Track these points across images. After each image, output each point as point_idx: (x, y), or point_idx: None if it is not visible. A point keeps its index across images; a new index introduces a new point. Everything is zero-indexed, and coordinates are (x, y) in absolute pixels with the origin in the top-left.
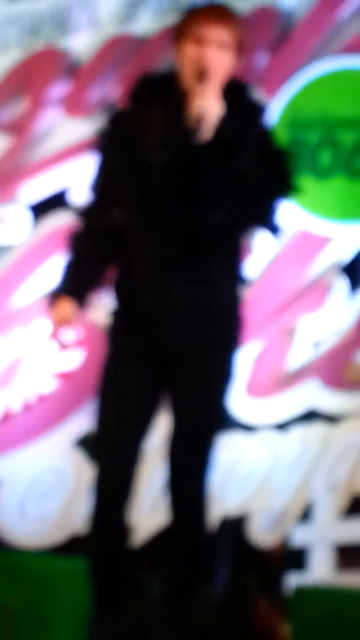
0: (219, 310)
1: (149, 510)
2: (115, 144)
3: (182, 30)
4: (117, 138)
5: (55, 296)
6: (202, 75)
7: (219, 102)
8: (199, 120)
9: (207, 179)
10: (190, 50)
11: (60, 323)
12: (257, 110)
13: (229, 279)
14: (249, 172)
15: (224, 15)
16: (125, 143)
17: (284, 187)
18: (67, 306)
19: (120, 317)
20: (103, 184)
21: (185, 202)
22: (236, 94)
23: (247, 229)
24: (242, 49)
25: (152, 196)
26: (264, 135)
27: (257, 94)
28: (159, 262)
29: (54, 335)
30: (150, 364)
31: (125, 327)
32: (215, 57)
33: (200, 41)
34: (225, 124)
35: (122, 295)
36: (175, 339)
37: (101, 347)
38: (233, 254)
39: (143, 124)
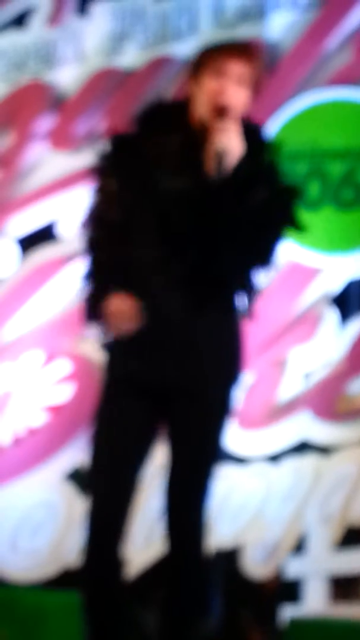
0: (219, 345)
1: (142, 542)
2: (119, 168)
3: (202, 63)
4: (122, 162)
5: (99, 297)
6: (221, 109)
7: (241, 140)
8: (221, 157)
9: (221, 215)
10: (210, 83)
11: (122, 316)
12: (270, 149)
13: (230, 314)
14: (264, 210)
15: (246, 51)
16: (132, 168)
17: (290, 223)
18: (121, 299)
19: (118, 348)
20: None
21: (196, 237)
22: (249, 133)
23: (252, 269)
24: (257, 87)
25: (159, 226)
26: (276, 175)
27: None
28: (160, 295)
29: (117, 329)
30: (148, 396)
31: (123, 359)
32: (235, 91)
33: (221, 75)
34: (241, 160)
35: None
36: (175, 372)
37: (92, 381)
38: (235, 290)
39: (153, 151)
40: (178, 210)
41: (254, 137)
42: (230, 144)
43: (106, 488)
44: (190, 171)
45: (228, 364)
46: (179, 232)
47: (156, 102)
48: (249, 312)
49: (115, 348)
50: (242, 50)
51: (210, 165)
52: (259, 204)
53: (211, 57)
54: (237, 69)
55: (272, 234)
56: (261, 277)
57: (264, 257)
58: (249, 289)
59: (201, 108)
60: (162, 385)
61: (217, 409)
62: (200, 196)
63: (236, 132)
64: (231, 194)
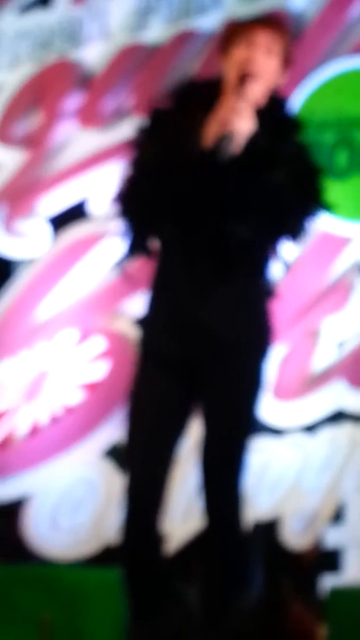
0: (248, 319)
1: (181, 517)
2: (155, 141)
3: (230, 36)
4: (157, 136)
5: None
6: (246, 75)
7: (251, 120)
8: (227, 139)
9: (235, 193)
10: (239, 53)
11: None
12: (295, 126)
13: (258, 288)
14: (283, 187)
15: (274, 22)
16: (165, 142)
17: (316, 204)
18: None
19: (150, 325)
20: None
21: (213, 214)
22: (275, 108)
23: (276, 243)
24: (287, 63)
25: (183, 204)
26: (300, 152)
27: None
28: (190, 272)
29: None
30: (181, 372)
31: (156, 336)
32: (263, 60)
33: (250, 44)
34: (260, 137)
35: (154, 303)
36: (205, 346)
37: (127, 357)
38: (262, 264)
39: (183, 128)
40: (195, 189)
41: (279, 114)
42: (240, 125)
43: (143, 464)
44: (205, 152)
45: (257, 336)
46: (196, 207)
47: (190, 79)
48: (277, 285)
49: (148, 325)
50: (270, 21)
51: (211, 141)
52: (280, 181)
53: (239, 29)
54: (265, 38)
55: (298, 212)
56: (289, 250)
57: (289, 234)
58: (274, 262)
59: (229, 78)
60: (193, 359)
61: (248, 382)
62: (212, 175)
63: (248, 113)
64: (244, 170)
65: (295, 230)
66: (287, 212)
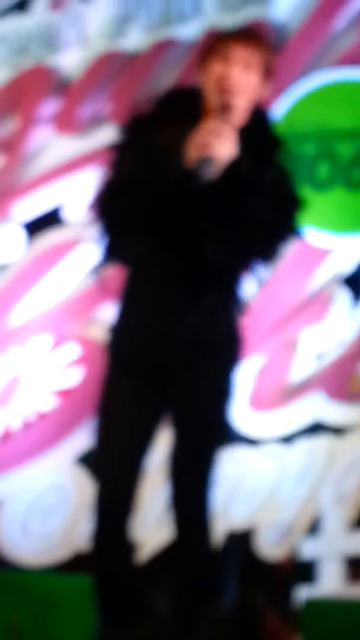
0: (218, 328)
1: (153, 525)
2: (134, 151)
3: (208, 51)
4: (136, 145)
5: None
6: (225, 95)
7: (232, 145)
8: (207, 162)
9: (211, 216)
10: (216, 69)
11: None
12: (276, 145)
13: (229, 301)
14: (260, 215)
15: (252, 36)
16: (144, 154)
17: (291, 231)
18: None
19: (120, 333)
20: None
21: (188, 233)
22: (257, 124)
23: (249, 264)
24: (269, 75)
25: (159, 221)
26: (280, 178)
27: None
28: (161, 284)
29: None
30: (150, 380)
31: (126, 344)
32: (240, 76)
33: (227, 60)
34: (241, 160)
35: (125, 312)
36: (175, 357)
37: (101, 364)
38: (233, 283)
39: (163, 139)
40: (174, 206)
41: (261, 130)
42: (221, 150)
43: (113, 472)
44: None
45: (227, 345)
46: (174, 225)
47: (171, 87)
48: (249, 299)
49: (117, 332)
50: (248, 35)
51: (191, 163)
52: (253, 212)
53: (217, 43)
54: (242, 53)
55: (270, 238)
56: (261, 269)
57: (260, 255)
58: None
59: (209, 96)
60: (162, 367)
61: (217, 391)
62: (189, 199)
63: (230, 137)
64: (224, 196)
65: (268, 254)
66: (262, 238)
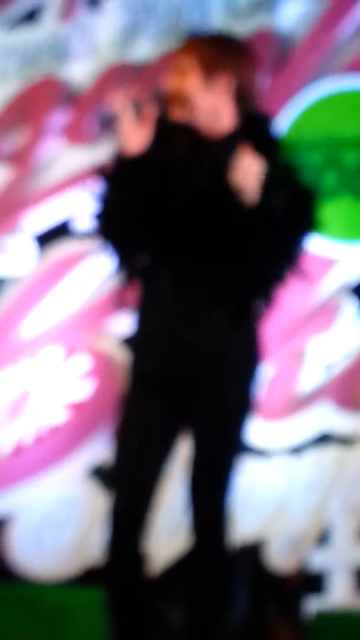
0: (238, 341)
1: (166, 538)
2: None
3: None
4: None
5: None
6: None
7: (258, 162)
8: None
9: (229, 221)
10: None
11: None
12: (279, 147)
13: (248, 312)
14: (280, 212)
15: (188, 42)
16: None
17: (309, 225)
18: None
19: (139, 346)
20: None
21: (202, 242)
22: (256, 129)
23: (272, 268)
24: (217, 69)
25: (174, 230)
26: (290, 176)
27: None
28: (179, 295)
29: None
30: (170, 394)
31: (144, 358)
32: (176, 83)
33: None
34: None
35: (143, 325)
36: (195, 369)
37: (112, 376)
38: (256, 290)
39: (169, 149)
40: (189, 217)
41: (266, 136)
42: (251, 170)
43: (129, 485)
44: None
45: (246, 357)
46: (188, 232)
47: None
48: (268, 308)
49: (137, 346)
50: (185, 42)
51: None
52: (273, 211)
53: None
54: (176, 61)
55: (293, 237)
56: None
57: (287, 260)
58: (270, 290)
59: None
60: (182, 381)
61: (237, 403)
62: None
63: (253, 155)
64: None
65: (292, 254)
66: (284, 236)
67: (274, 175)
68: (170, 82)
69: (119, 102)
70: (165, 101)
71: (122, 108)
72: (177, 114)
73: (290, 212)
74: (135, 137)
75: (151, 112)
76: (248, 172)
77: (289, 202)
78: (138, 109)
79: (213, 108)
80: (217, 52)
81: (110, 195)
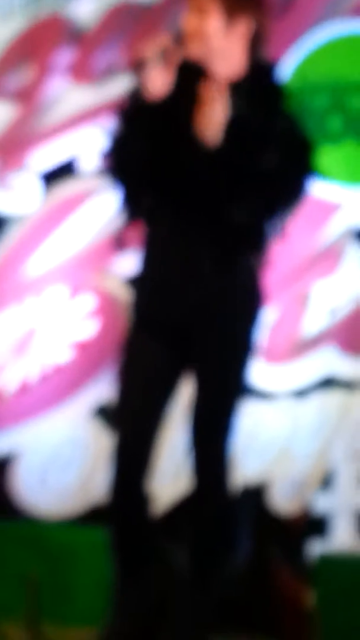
0: (240, 286)
1: (170, 478)
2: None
3: None
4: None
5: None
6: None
7: (224, 106)
8: (206, 128)
9: (227, 177)
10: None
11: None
12: (282, 95)
13: (251, 258)
14: (275, 167)
15: None
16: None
17: (308, 177)
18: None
19: (142, 290)
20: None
21: (206, 196)
22: (260, 75)
23: (272, 219)
24: (238, 12)
25: (175, 183)
26: (289, 126)
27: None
28: (182, 240)
29: None
30: (173, 336)
31: (148, 300)
32: (194, 22)
33: (199, 11)
34: (248, 114)
35: (146, 269)
36: (197, 311)
37: (117, 316)
38: (258, 241)
39: (173, 102)
40: (188, 170)
41: (265, 82)
42: (214, 114)
43: (133, 425)
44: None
45: (248, 301)
46: (189, 187)
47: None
48: (267, 254)
49: (139, 289)
50: None
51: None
52: (272, 162)
53: None
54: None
55: (288, 189)
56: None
57: (284, 204)
58: (268, 234)
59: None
60: (185, 324)
61: (239, 346)
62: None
63: (221, 100)
64: (233, 155)
65: (286, 204)
66: (280, 190)
67: (269, 130)
68: (189, 21)
69: (150, 51)
70: (182, 39)
71: (152, 56)
72: (194, 53)
73: (286, 167)
74: (159, 83)
75: (175, 57)
76: (213, 115)
77: (286, 158)
78: (164, 54)
79: (229, 51)
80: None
81: (124, 134)
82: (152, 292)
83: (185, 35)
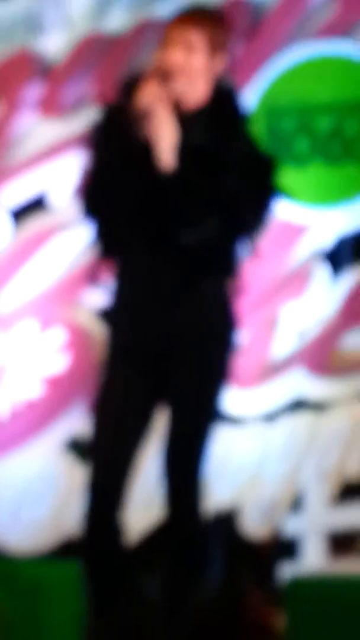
0: (211, 310)
1: (142, 508)
2: (109, 140)
3: (161, 40)
4: (111, 134)
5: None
6: (164, 75)
7: (173, 126)
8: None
9: (189, 200)
10: (157, 54)
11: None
12: (242, 119)
13: (222, 283)
14: (237, 188)
15: (194, 17)
16: (118, 142)
17: (270, 194)
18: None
19: (116, 320)
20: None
21: (170, 220)
22: (221, 99)
23: (237, 241)
24: (219, 50)
25: (140, 209)
26: (250, 149)
27: (233, 85)
28: (153, 271)
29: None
30: (147, 366)
31: (122, 332)
32: (181, 56)
33: (168, 44)
34: (208, 138)
35: (119, 300)
36: (172, 342)
37: (87, 350)
38: (225, 264)
39: (133, 126)
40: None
41: (226, 106)
42: (163, 134)
43: (107, 457)
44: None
45: (220, 328)
46: (156, 210)
47: (136, 74)
48: (238, 277)
49: (113, 318)
50: (191, 16)
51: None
52: (233, 183)
53: (165, 31)
54: (183, 35)
55: (252, 209)
56: (249, 243)
57: (247, 229)
58: (237, 257)
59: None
60: (158, 352)
61: (213, 373)
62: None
63: (167, 117)
64: (191, 180)
65: (252, 226)
66: (243, 212)
67: (230, 153)
68: (174, 56)
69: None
70: (166, 76)
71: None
72: (180, 89)
73: (249, 188)
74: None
75: (169, 97)
76: (163, 137)
77: (248, 179)
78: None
79: (200, 81)
80: (221, 30)
81: (94, 166)
82: (125, 322)
83: (170, 70)
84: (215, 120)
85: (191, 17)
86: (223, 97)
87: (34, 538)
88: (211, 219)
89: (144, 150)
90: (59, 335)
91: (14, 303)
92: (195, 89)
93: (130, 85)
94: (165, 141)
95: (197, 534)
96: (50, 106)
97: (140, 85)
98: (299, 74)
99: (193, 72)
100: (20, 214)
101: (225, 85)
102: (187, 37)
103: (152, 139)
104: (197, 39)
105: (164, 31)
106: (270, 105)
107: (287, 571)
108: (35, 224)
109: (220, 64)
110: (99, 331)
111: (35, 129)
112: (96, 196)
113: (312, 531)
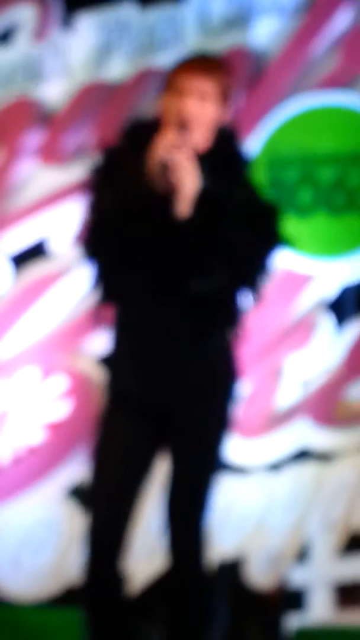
0: (214, 360)
1: (145, 557)
2: (109, 185)
3: (166, 84)
4: (113, 177)
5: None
6: (182, 122)
7: (196, 175)
8: (175, 193)
9: (193, 249)
10: (170, 102)
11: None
12: (244, 164)
13: (227, 333)
14: (238, 238)
15: (206, 65)
16: (119, 186)
17: (274, 243)
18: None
19: (116, 368)
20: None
21: (173, 269)
22: (223, 147)
23: (241, 291)
24: (226, 99)
25: (142, 256)
26: (252, 196)
27: (234, 129)
28: (158, 318)
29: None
30: (148, 415)
31: (122, 379)
32: (196, 106)
33: (181, 92)
34: (211, 186)
35: (120, 347)
36: (172, 390)
37: (89, 396)
38: (228, 314)
39: (135, 170)
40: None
41: (228, 153)
42: (186, 181)
43: (107, 505)
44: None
45: (224, 379)
46: (161, 258)
47: (139, 119)
48: (242, 326)
49: (114, 367)
50: (202, 65)
51: (180, 207)
52: (235, 232)
53: (172, 76)
54: (197, 84)
55: (257, 258)
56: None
57: (254, 275)
58: (241, 307)
59: (167, 128)
60: (160, 403)
61: (216, 424)
62: (166, 234)
63: (190, 166)
64: (198, 228)
65: (258, 275)
66: (247, 261)
67: (233, 202)
68: (189, 107)
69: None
70: (183, 127)
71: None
72: (196, 140)
73: (252, 236)
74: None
75: (187, 147)
76: (186, 186)
77: (252, 227)
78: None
79: (207, 128)
80: (228, 79)
81: (97, 209)
82: (126, 370)
83: (187, 120)
84: (218, 165)
85: (201, 64)
86: (225, 140)
87: (35, 585)
88: (221, 267)
89: (151, 196)
90: (60, 382)
91: (16, 350)
92: (205, 138)
93: (133, 131)
94: (188, 190)
95: (200, 583)
96: (51, 154)
97: (152, 133)
98: (301, 124)
99: (207, 122)
100: (21, 260)
101: (226, 129)
102: (200, 86)
103: (172, 188)
104: (209, 87)
105: (170, 78)
106: (273, 156)
107: (293, 622)
108: (35, 270)
109: (227, 113)
110: (100, 378)
111: (36, 176)
112: (98, 239)
113: (318, 582)
